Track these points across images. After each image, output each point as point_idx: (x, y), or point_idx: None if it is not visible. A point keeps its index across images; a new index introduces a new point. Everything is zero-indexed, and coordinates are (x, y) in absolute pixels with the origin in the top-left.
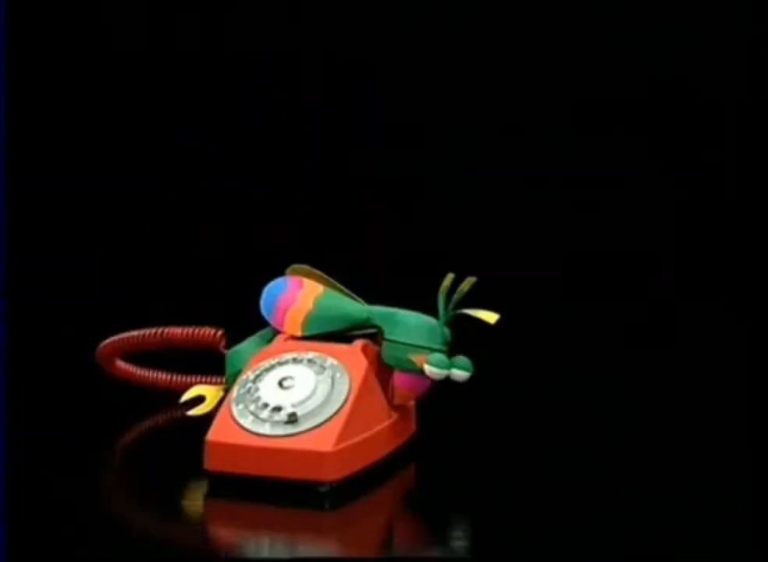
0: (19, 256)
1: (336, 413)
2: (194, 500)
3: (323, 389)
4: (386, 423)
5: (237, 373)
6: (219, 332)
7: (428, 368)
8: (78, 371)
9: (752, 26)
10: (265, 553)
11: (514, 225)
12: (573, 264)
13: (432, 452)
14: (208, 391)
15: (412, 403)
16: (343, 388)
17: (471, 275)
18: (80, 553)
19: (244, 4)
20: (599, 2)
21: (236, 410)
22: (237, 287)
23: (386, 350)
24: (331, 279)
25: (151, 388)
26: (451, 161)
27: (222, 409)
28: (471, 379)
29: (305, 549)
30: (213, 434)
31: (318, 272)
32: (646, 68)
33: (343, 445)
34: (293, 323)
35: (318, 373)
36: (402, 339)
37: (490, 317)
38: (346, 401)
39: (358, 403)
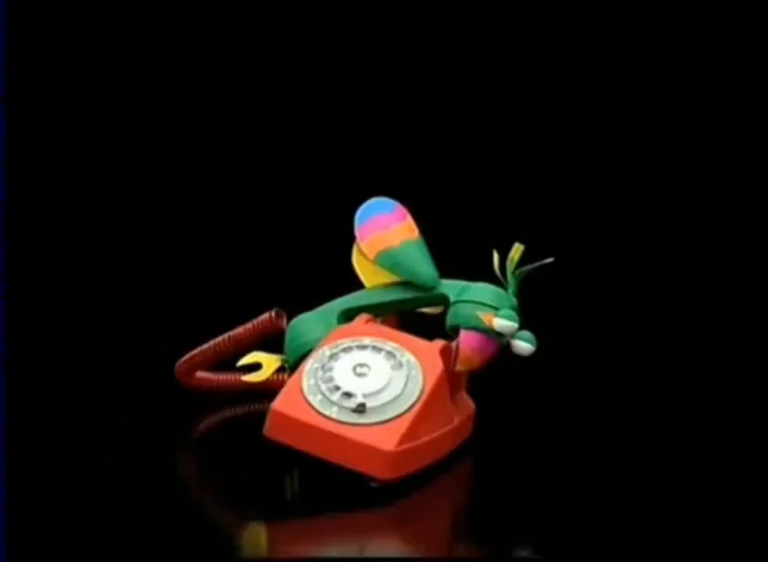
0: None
1: (404, 412)
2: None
3: (396, 386)
4: (448, 427)
5: (299, 343)
6: (273, 313)
7: (497, 321)
8: (79, 370)
9: None
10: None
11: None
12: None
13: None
14: (265, 359)
15: (473, 406)
16: (416, 388)
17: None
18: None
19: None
20: None
21: (306, 384)
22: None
23: (453, 310)
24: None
25: (233, 392)
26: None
27: (293, 378)
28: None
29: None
30: (280, 404)
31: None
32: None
33: (405, 446)
34: (372, 246)
35: (394, 368)
36: (471, 298)
37: (547, 261)
38: (416, 402)
39: (428, 406)
